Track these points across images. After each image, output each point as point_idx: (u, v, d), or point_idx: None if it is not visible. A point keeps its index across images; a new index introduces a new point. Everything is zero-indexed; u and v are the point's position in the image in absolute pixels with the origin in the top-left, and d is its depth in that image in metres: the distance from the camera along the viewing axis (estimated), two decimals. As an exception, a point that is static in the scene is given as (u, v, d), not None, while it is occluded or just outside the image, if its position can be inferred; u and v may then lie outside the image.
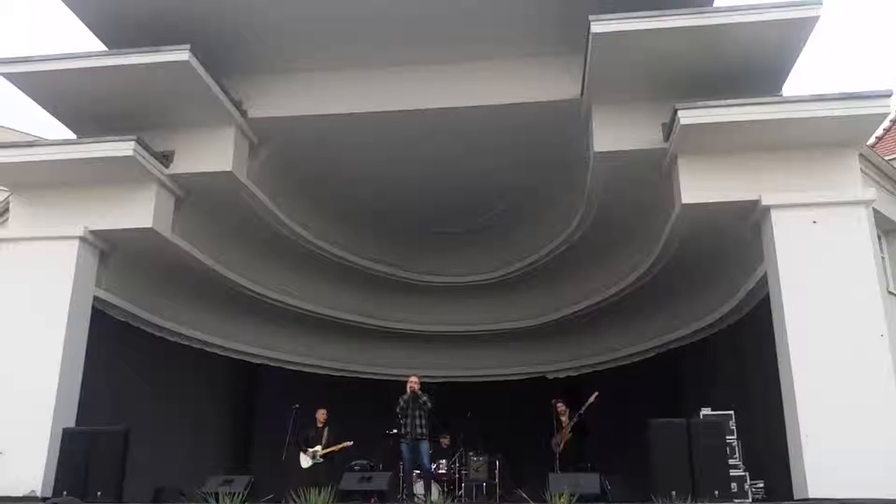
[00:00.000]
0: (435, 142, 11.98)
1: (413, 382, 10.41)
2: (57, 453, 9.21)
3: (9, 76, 10.16)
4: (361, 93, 11.04)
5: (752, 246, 9.90)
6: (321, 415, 11.16)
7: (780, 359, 9.06)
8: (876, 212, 10.47)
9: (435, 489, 11.21)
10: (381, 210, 14.35)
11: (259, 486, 9.24)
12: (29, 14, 50.93)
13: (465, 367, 16.54)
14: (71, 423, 9.83)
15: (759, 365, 10.16)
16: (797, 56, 9.52)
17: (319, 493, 7.98)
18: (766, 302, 9.61)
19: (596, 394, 11.45)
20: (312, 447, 10.84)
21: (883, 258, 11.74)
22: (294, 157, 12.22)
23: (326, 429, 10.97)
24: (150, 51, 9.85)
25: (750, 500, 9.39)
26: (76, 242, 10.45)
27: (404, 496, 10.38)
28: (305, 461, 10.80)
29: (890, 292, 11.15)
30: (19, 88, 10.41)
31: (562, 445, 11.55)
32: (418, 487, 10.86)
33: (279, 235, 13.15)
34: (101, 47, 10.61)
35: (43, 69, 10.11)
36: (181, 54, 9.76)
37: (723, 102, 9.24)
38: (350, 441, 10.87)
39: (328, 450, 10.79)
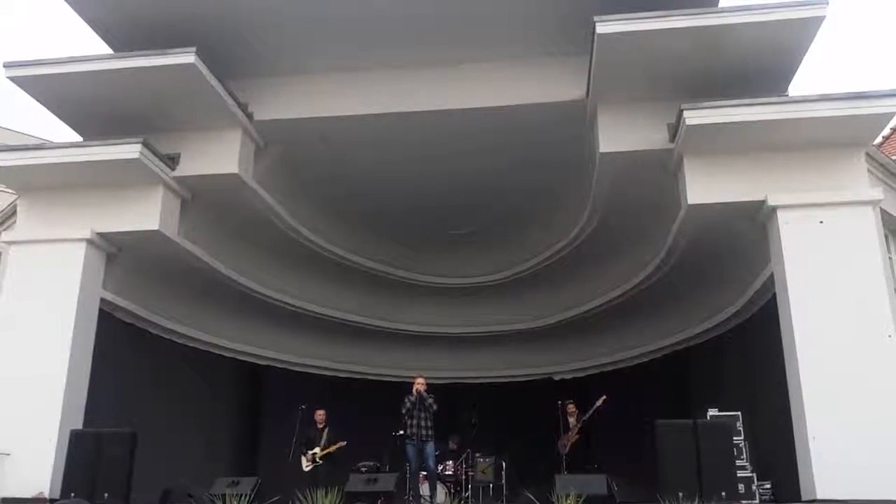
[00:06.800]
0: (439, 143, 11.98)
1: (419, 384, 10.40)
2: (64, 455, 9.25)
3: (17, 79, 10.20)
4: (366, 94, 11.06)
5: (759, 246, 9.88)
6: (320, 415, 11.16)
7: (787, 359, 9.03)
8: (883, 211, 10.43)
9: (441, 490, 11.21)
10: (387, 211, 14.36)
11: (265, 487, 9.26)
12: (29, 14, 51.13)
13: (472, 368, 16.54)
14: (78, 425, 9.87)
15: (766, 365, 10.13)
16: (803, 56, 9.49)
17: (326, 494, 7.98)
18: (773, 302, 9.58)
19: (604, 397, 11.44)
20: (312, 449, 10.85)
21: (890, 258, 11.68)
22: (299, 158, 12.25)
23: (326, 429, 10.97)
24: (156, 53, 9.88)
25: (757, 501, 9.37)
26: (83, 245, 10.49)
27: (410, 497, 10.38)
28: (306, 463, 10.81)
29: (898, 292, 11.09)
30: (26, 91, 10.45)
31: (568, 447, 11.55)
32: (424, 489, 10.85)
33: (284, 237, 13.17)
34: (106, 49, 10.66)
35: (50, 72, 10.15)
36: (187, 57, 9.79)
37: (728, 102, 9.21)
38: (344, 441, 10.86)
39: (325, 451, 10.79)
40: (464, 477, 11.87)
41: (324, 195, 13.46)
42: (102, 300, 10.89)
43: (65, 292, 10.27)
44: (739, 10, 9.07)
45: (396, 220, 14.72)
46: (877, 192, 9.46)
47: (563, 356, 16.09)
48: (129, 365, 11.72)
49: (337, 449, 10.82)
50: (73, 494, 8.74)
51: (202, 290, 13.04)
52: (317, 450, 10.80)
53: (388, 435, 11.62)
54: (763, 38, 9.18)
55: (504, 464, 11.83)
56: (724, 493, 7.82)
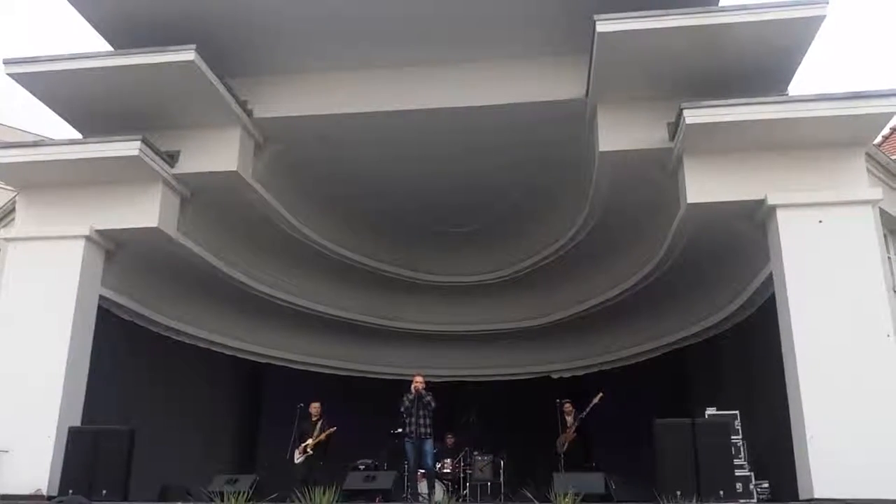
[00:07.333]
0: (439, 141, 11.99)
1: (418, 382, 10.42)
2: (63, 452, 9.26)
3: (16, 76, 10.20)
4: (365, 93, 11.06)
5: (758, 245, 9.88)
6: (314, 408, 11.13)
7: (785, 359, 9.03)
8: (882, 211, 10.42)
9: (439, 488, 11.22)
10: (385, 209, 14.36)
11: (264, 485, 9.26)
12: (29, 14, 51.09)
13: (470, 366, 16.55)
14: (77, 422, 9.87)
15: (764, 365, 10.13)
16: (803, 55, 9.49)
17: (324, 492, 7.99)
18: (771, 301, 9.58)
19: (600, 394, 11.46)
20: (305, 441, 10.83)
21: (889, 258, 11.70)
22: (299, 156, 12.24)
23: (320, 422, 10.95)
24: (156, 51, 9.88)
25: (755, 500, 9.38)
26: (82, 242, 10.48)
27: (408, 495, 10.39)
28: (298, 455, 10.79)
29: (896, 292, 11.10)
30: (26, 89, 10.45)
31: (566, 445, 11.56)
32: (423, 487, 10.87)
33: (284, 235, 13.17)
34: (107, 47, 10.66)
35: (50, 69, 10.15)
36: (187, 54, 9.79)
37: (728, 102, 9.21)
38: (334, 427, 10.84)
39: (316, 440, 10.77)
40: (462, 475, 11.88)
41: (324, 193, 13.46)
42: (101, 297, 10.89)
43: (63, 289, 10.25)
44: (740, 10, 9.06)
45: (396, 219, 14.72)
46: (876, 192, 9.46)
47: (562, 355, 16.10)
48: (127, 362, 11.73)
49: (327, 436, 10.79)
50: (71, 491, 8.75)
51: (201, 288, 13.04)
52: (309, 441, 10.78)
53: (386, 433, 11.63)
54: (763, 37, 9.17)
55: (502, 462, 11.84)
56: (721, 492, 7.84)
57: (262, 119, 11.26)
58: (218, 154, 10.94)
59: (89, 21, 10.41)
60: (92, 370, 10.47)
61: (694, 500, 7.62)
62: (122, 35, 10.43)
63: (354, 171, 12.96)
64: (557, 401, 12.03)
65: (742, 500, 8.88)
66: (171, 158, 10.81)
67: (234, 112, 10.83)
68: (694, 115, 9.15)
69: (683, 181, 9.69)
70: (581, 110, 10.61)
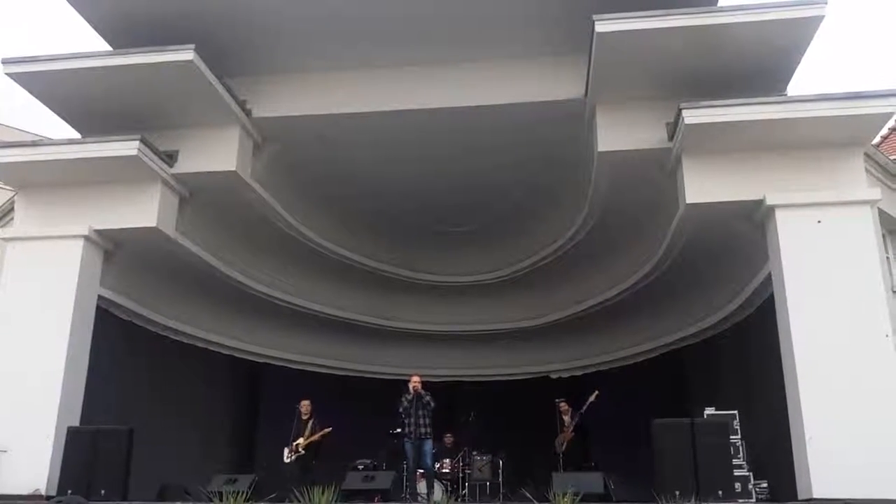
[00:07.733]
0: (438, 141, 11.99)
1: (415, 382, 10.42)
2: (62, 452, 9.26)
3: (15, 76, 10.19)
4: (365, 93, 11.06)
5: (757, 246, 9.88)
6: (305, 406, 11.09)
7: (784, 358, 9.05)
8: (881, 211, 10.45)
9: (438, 488, 11.22)
10: (384, 209, 14.36)
11: (262, 484, 9.26)
12: (29, 14, 51.05)
13: (469, 366, 16.54)
14: (75, 422, 9.86)
15: (763, 365, 10.14)
16: (802, 55, 9.50)
17: (323, 491, 7.98)
18: (770, 302, 9.59)
19: (596, 392, 11.49)
20: (297, 440, 10.80)
21: (888, 258, 11.72)
22: (298, 156, 12.24)
23: (311, 421, 10.91)
24: (155, 50, 9.88)
25: (754, 499, 9.39)
26: (81, 241, 10.47)
27: (407, 495, 10.39)
28: (287, 454, 10.73)
29: (894, 292, 11.13)
30: (25, 88, 10.44)
31: (564, 445, 11.57)
32: (421, 487, 10.87)
33: (283, 234, 13.17)
34: (106, 47, 10.65)
35: (48, 69, 10.15)
36: (186, 54, 9.79)
37: (727, 102, 9.22)
38: (329, 428, 10.81)
39: (309, 440, 10.74)
40: (461, 475, 11.87)
41: (323, 193, 13.45)
42: (100, 297, 10.87)
43: (62, 289, 10.24)
44: (738, 10, 9.08)
45: (394, 218, 14.72)
46: (875, 192, 9.49)
47: (561, 354, 16.10)
48: (126, 362, 11.72)
49: (322, 436, 10.75)
50: (70, 491, 8.75)
51: (200, 288, 13.03)
52: (300, 440, 10.74)
53: (384, 433, 11.63)
54: (762, 37, 9.19)
55: (501, 462, 11.83)
56: (720, 492, 7.85)
57: (260, 119, 11.26)
58: (217, 154, 10.94)
59: (88, 21, 10.41)
60: (90, 370, 10.46)
61: (693, 500, 7.63)
62: (121, 35, 10.43)
63: (353, 170, 12.96)
64: (556, 401, 12.05)
65: (741, 500, 8.89)
66: (170, 158, 10.81)
67: (232, 112, 10.83)
68: (693, 116, 9.16)
69: (682, 181, 9.70)
70: (580, 110, 10.62)
